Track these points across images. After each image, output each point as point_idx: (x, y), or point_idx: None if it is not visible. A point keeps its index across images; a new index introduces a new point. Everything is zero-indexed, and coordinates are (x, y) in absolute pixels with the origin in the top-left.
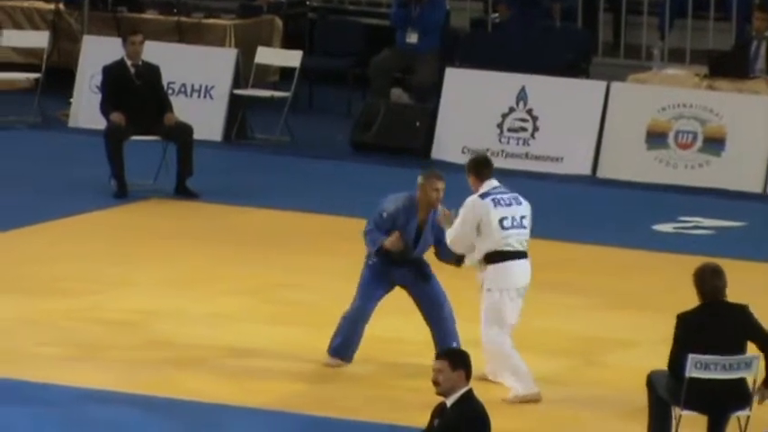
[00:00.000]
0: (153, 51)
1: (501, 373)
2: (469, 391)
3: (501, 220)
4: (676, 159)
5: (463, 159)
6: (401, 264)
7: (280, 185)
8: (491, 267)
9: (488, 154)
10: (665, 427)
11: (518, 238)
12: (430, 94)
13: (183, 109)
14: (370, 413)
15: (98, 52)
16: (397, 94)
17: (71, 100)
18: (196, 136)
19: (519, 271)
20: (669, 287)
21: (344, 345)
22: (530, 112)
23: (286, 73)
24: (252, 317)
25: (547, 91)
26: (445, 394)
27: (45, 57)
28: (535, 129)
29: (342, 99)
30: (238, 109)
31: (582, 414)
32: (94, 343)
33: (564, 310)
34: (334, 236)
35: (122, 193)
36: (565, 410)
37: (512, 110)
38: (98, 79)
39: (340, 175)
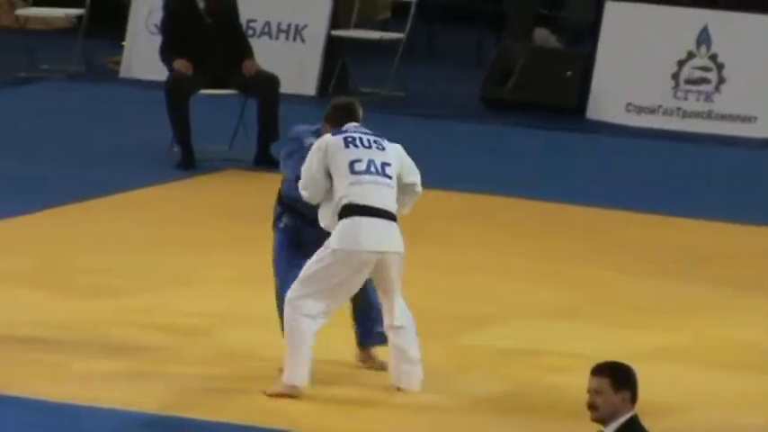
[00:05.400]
0: None
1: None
2: (634, 419)
3: (352, 163)
4: None
5: (628, 120)
6: (311, 221)
7: None
8: (338, 226)
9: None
10: None
11: (376, 190)
12: (584, 36)
13: (266, 55)
14: None
15: None
16: (543, 35)
17: (123, 43)
18: (284, 89)
19: (370, 231)
20: None
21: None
22: (714, 58)
23: (399, 9)
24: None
25: (736, 30)
26: (604, 421)
27: None
28: (721, 80)
29: (470, 43)
30: (337, 55)
31: None
32: (152, 355)
33: (747, 314)
34: (460, 218)
35: (188, 163)
36: None
37: (691, 55)
38: (157, 17)
39: (468, 141)
